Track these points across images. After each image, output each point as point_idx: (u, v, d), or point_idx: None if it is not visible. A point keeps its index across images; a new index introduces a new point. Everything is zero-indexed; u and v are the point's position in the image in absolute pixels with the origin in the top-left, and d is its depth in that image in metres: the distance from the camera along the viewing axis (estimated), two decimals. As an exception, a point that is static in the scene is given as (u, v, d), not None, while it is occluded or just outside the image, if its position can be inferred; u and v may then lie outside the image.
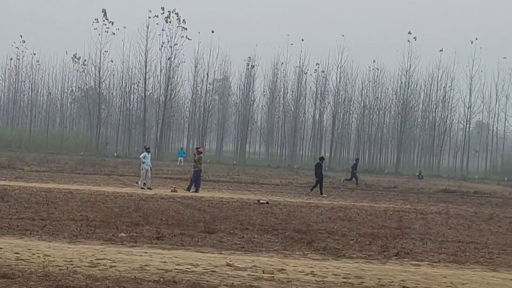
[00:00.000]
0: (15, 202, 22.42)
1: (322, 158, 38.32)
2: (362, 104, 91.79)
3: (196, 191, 32.12)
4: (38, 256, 13.07)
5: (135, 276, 11.55)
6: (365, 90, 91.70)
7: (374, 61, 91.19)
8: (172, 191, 31.79)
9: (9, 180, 32.91)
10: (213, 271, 12.64)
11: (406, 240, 18.83)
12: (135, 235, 16.66)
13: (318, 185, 35.71)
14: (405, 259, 15.54)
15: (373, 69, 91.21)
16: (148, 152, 34.32)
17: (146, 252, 14.36)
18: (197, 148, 36.35)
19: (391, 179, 59.53)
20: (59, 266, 12.19)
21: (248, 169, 64.08)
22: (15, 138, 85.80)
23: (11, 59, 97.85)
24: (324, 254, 15.65)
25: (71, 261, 12.79)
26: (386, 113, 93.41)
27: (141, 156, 35.05)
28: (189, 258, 13.87)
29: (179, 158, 66.32)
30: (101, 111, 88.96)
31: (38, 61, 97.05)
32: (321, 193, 35.09)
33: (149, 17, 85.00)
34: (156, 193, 30.17)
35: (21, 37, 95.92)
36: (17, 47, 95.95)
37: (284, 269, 13.28)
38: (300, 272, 13.15)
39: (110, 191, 29.95)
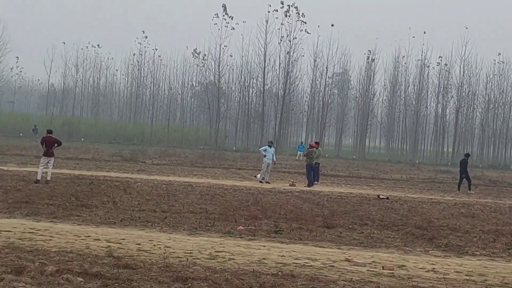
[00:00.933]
0: (137, 195, 22.93)
1: (467, 155, 37.52)
2: (486, 98, 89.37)
3: (312, 184, 31.95)
4: (159, 248, 13.28)
5: (253, 269, 11.53)
6: (490, 83, 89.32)
7: (500, 53, 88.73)
8: (290, 185, 31.78)
9: (131, 173, 33.79)
10: (331, 266, 12.48)
11: (533, 238, 18.07)
12: (253, 228, 16.69)
13: (467, 181, 35.29)
14: (532, 258, 14.90)
15: (498, 62, 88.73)
16: (270, 146, 34.31)
17: (264, 246, 14.35)
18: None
19: (516, 175, 57.55)
20: (179, 257, 12.33)
21: (368, 164, 63.46)
22: (138, 132, 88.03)
23: (133, 54, 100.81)
24: (446, 251, 15.21)
25: (190, 252, 12.92)
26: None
27: (260, 149, 35.25)
28: (307, 253, 13.76)
29: (299, 152, 66.38)
30: (220, 106, 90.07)
31: (159, 56, 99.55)
32: (469, 189, 34.91)
33: (269, 12, 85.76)
34: (274, 187, 30.24)
35: (143, 33, 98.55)
36: (139, 43, 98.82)
37: (404, 266, 12.98)
38: (421, 268, 12.82)
39: (229, 184, 30.24)
